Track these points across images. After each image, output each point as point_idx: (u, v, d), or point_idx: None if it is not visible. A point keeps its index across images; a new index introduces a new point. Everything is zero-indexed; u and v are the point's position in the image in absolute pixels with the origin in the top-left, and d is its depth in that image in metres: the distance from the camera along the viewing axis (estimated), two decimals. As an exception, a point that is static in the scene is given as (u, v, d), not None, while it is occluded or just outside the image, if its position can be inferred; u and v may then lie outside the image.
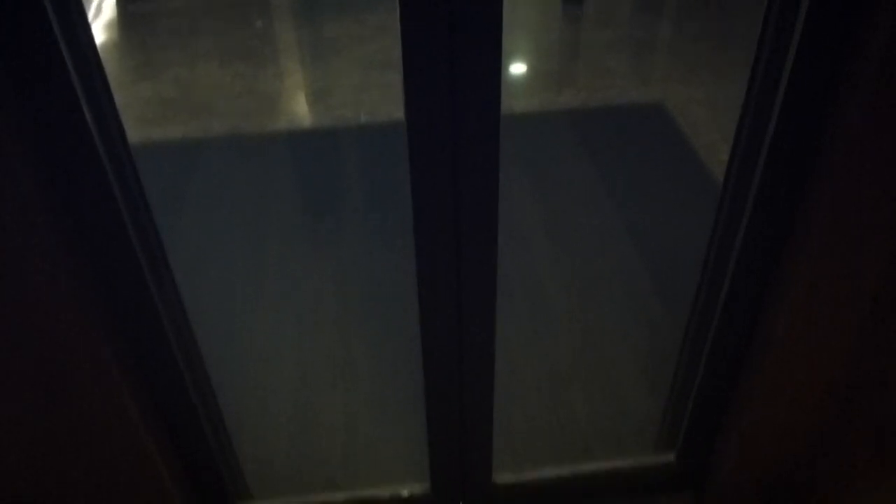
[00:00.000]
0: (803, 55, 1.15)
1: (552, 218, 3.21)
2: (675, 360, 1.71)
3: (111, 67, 4.52)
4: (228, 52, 4.76)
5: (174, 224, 3.24)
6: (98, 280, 1.26)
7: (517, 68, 4.55)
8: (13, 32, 0.97)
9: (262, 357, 2.57)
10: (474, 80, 1.11)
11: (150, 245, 1.28)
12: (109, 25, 5.16)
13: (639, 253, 2.98)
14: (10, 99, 1.02)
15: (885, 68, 1.09)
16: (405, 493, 1.79)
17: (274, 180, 3.56)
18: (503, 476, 1.79)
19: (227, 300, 2.83)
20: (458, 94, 1.12)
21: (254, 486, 1.89)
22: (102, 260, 1.24)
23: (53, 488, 1.50)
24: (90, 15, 5.20)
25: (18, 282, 1.15)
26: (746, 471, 1.73)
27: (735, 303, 1.48)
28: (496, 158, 1.22)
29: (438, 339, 1.46)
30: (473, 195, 1.26)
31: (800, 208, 1.32)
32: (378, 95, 4.22)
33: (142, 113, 4.14)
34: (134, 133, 3.96)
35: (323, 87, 4.37)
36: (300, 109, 4.22)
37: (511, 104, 4.19)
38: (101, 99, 1.11)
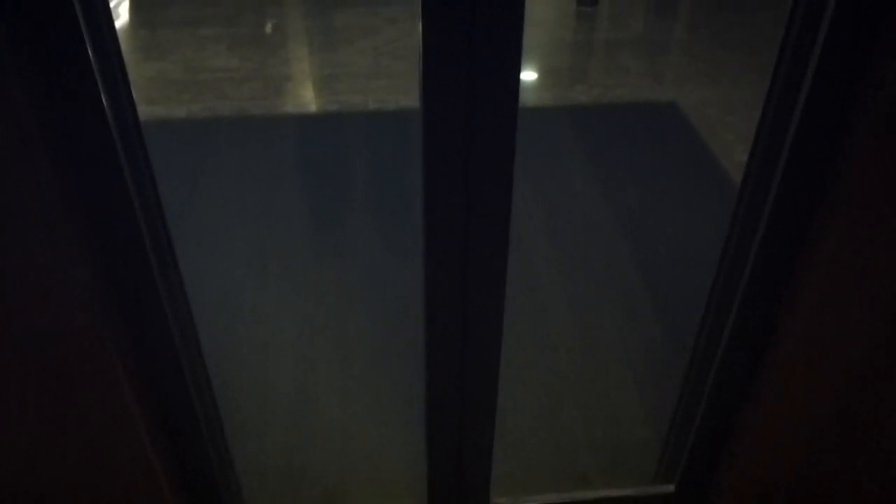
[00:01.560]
0: (828, 55, 1.10)
1: (558, 215, 3.13)
2: (678, 389, 1.65)
3: (118, 46, 4.45)
4: (238, 37, 4.70)
5: (172, 200, 3.16)
6: (102, 262, 1.20)
7: (528, 64, 4.48)
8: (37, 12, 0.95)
9: (263, 355, 2.48)
10: (493, 71, 1.11)
11: (155, 229, 1.23)
12: (119, 6, 5.10)
13: (648, 254, 2.90)
14: (30, 74, 0.99)
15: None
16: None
17: (278, 161, 3.48)
18: (501, 500, 1.75)
19: (224, 286, 2.75)
20: (476, 84, 1.11)
21: (249, 496, 1.81)
22: (108, 243, 1.19)
23: (51, 487, 1.47)
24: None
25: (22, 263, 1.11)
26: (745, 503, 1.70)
27: (746, 319, 1.42)
28: (511, 153, 1.21)
29: (443, 342, 1.41)
30: (486, 187, 1.23)
31: (818, 216, 1.25)
32: (387, 84, 4.15)
33: (146, 92, 4.07)
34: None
35: (332, 74, 4.30)
36: (307, 94, 4.15)
37: (521, 98, 4.12)
38: (116, 77, 1.06)
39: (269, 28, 5.00)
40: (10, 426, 1.34)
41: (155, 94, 4.06)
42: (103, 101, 1.04)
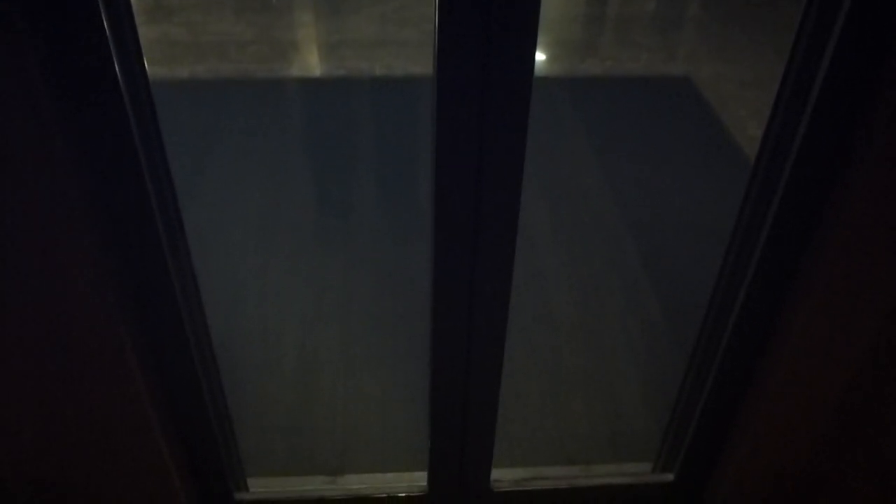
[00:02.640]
0: (848, 32, 1.03)
1: (565, 188, 3.05)
2: (681, 375, 1.59)
3: (121, 7, 4.37)
4: (244, 1, 4.61)
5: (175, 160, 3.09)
6: (110, 232, 1.15)
7: (539, 36, 4.39)
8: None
9: (266, 331, 2.42)
10: (510, 39, 1.08)
11: (165, 202, 1.19)
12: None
13: (657, 228, 2.83)
14: (39, 34, 0.94)
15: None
16: (402, 493, 1.71)
17: (281, 124, 3.41)
18: (501, 484, 1.72)
19: (225, 251, 2.68)
20: (491, 52, 1.07)
21: (253, 474, 1.75)
22: (117, 215, 1.14)
23: (59, 469, 1.44)
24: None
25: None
26: (744, 495, 1.66)
27: (752, 307, 1.36)
28: (525, 123, 1.18)
29: (449, 322, 1.36)
30: (499, 156, 1.19)
31: (830, 200, 1.18)
32: (394, 51, 4.07)
33: (148, 53, 3.98)
34: (139, 71, 3.81)
35: (339, 41, 4.22)
36: (313, 60, 4.07)
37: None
38: (127, 38, 1.03)
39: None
40: (17, 407, 1.30)
41: (157, 56, 3.98)
42: (115, 65, 1.00)
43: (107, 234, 1.13)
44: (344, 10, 4.61)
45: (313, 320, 2.32)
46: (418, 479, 1.71)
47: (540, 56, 4.18)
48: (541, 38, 4.31)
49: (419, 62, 3.93)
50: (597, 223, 2.80)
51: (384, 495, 1.71)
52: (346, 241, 2.68)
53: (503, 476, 1.73)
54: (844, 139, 1.13)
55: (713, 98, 3.71)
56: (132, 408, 1.31)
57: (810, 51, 1.10)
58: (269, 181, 2.99)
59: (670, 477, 1.74)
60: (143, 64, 1.06)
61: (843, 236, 1.19)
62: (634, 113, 3.61)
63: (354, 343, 2.25)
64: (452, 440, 1.59)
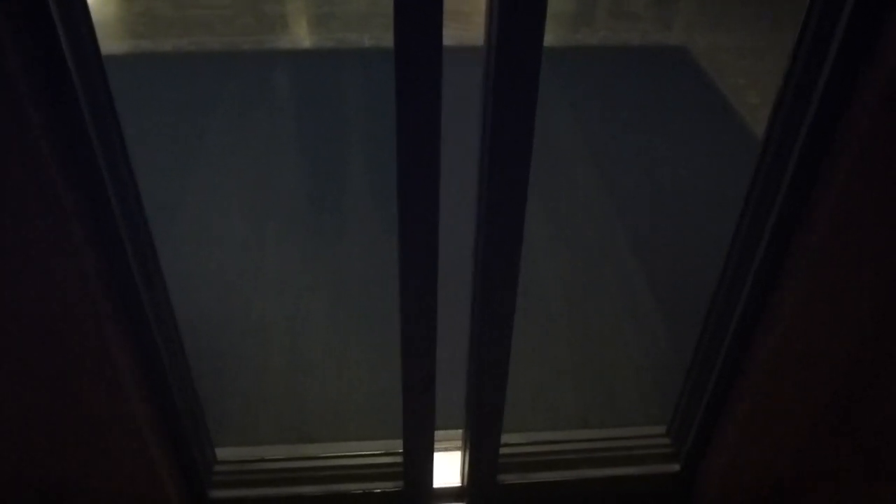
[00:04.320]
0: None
1: (558, 158, 2.98)
2: (688, 358, 1.53)
3: (103, -20, 4.26)
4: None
5: (150, 132, 3.01)
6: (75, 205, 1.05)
7: (533, 7, 4.30)
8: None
9: (247, 307, 2.34)
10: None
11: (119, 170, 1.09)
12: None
13: (657, 200, 2.76)
14: None
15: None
16: (385, 489, 1.64)
17: (266, 96, 3.32)
18: (508, 477, 1.64)
19: (213, 228, 2.60)
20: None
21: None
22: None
23: (47, 465, 1.39)
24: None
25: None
26: (736, 484, 1.62)
27: (761, 279, 1.29)
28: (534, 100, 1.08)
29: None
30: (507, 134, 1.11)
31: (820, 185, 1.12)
32: (383, 22, 3.97)
33: (132, 27, 3.89)
34: (120, 45, 3.72)
35: (328, 13, 4.12)
36: (301, 31, 3.98)
37: (525, 40, 3.95)
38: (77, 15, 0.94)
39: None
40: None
41: (142, 29, 3.88)
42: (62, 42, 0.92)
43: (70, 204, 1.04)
44: (333, -17, 4.51)
45: (304, 300, 2.25)
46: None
47: (533, 27, 4.09)
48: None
49: (410, 33, 3.84)
50: (593, 195, 2.72)
51: (378, 492, 1.64)
52: (338, 217, 2.61)
53: (510, 468, 1.66)
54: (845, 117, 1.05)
55: (711, 67, 3.63)
56: (116, 401, 1.25)
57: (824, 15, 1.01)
58: (256, 155, 2.91)
59: (676, 467, 1.69)
60: (95, 41, 0.97)
61: (830, 226, 1.12)
62: (630, 84, 3.53)
63: (345, 335, 2.18)
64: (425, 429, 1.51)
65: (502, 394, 1.48)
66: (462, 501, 1.67)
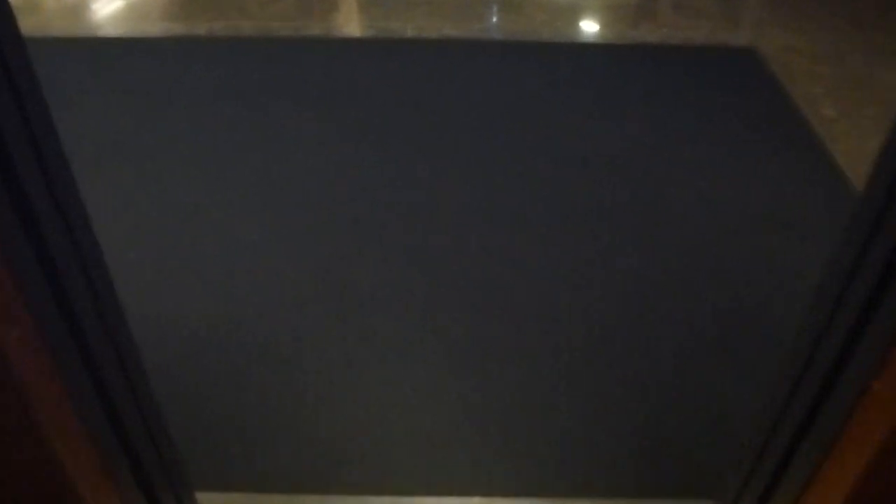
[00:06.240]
0: None
1: (612, 166, 2.72)
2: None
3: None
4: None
5: (177, 116, 2.84)
6: None
7: (589, -1, 4.01)
8: None
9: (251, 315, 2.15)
10: None
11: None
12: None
13: (716, 221, 2.48)
14: None
15: None
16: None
17: (296, 85, 3.12)
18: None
19: (222, 223, 2.42)
20: None
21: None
22: None
23: None
24: None
25: None
26: None
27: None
28: None
29: None
30: None
31: None
32: (428, 10, 3.74)
33: (166, 9, 3.73)
34: (153, 27, 3.56)
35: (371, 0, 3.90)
36: (340, 18, 3.76)
37: (577, 33, 3.67)
38: None
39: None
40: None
41: (176, 10, 3.72)
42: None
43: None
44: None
45: (310, 320, 2.05)
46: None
47: (588, 20, 3.81)
48: (584, 4, 3.95)
49: (457, 23, 3.60)
50: (648, 204, 2.46)
51: None
52: (356, 219, 2.40)
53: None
54: None
55: (782, 73, 3.31)
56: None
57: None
58: (277, 145, 2.72)
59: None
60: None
61: None
62: (692, 86, 3.23)
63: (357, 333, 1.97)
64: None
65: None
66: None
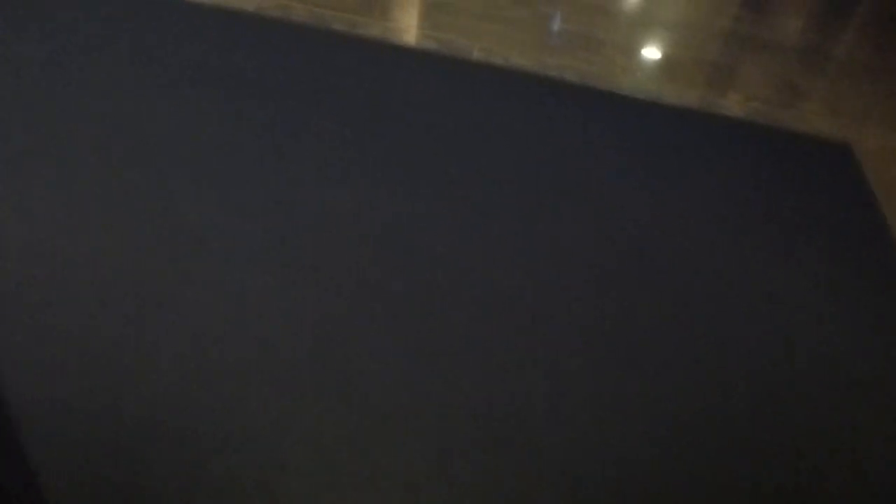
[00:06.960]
0: None
1: (670, 251, 2.36)
2: None
3: None
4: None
5: (201, 96, 2.51)
6: None
7: (667, 46, 3.62)
8: None
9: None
10: None
11: None
12: None
13: (781, 360, 2.13)
14: None
15: None
16: None
17: (331, 89, 2.78)
18: None
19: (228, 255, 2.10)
20: None
21: None
22: None
23: None
24: None
25: None
26: None
27: None
28: None
29: None
30: None
31: None
32: (500, 30, 3.37)
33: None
34: (199, -9, 3.22)
35: (439, 3, 3.53)
36: (402, 20, 3.40)
37: (656, 86, 3.29)
38: None
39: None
40: None
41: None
42: None
43: None
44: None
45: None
46: None
47: (672, 75, 3.42)
48: (671, 55, 3.57)
49: (527, 52, 3.23)
50: (704, 324, 2.11)
51: None
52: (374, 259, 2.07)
53: None
54: None
55: (877, 178, 2.93)
56: None
57: None
58: (289, 168, 2.38)
59: None
60: None
61: None
62: (768, 181, 2.86)
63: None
64: None
65: None
66: None
